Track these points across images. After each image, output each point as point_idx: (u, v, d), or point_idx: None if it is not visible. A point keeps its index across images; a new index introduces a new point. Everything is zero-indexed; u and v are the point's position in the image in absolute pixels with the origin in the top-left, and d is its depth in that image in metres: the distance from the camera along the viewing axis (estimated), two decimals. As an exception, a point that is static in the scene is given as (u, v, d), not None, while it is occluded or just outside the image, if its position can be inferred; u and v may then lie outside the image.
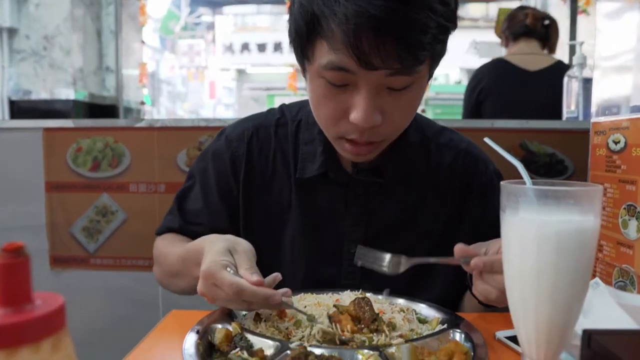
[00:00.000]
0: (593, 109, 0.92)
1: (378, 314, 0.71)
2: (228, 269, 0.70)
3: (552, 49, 2.28)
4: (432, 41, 0.70)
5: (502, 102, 2.12)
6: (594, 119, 0.83)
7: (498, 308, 0.86)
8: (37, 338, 0.35)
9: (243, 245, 0.76)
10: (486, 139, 0.64)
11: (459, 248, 0.73)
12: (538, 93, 2.06)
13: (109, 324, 1.69)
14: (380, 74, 0.71)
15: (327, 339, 0.67)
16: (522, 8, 2.36)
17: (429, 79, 0.82)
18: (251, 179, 0.96)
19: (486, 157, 0.99)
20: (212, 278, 0.70)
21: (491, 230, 0.91)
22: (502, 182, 0.55)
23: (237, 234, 0.97)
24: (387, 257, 0.77)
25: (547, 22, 2.22)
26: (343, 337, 0.67)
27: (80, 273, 1.75)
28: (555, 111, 1.98)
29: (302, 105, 0.97)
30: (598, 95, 0.95)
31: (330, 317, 0.71)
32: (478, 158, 0.97)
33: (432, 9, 0.69)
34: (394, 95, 0.75)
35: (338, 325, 0.69)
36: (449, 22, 0.73)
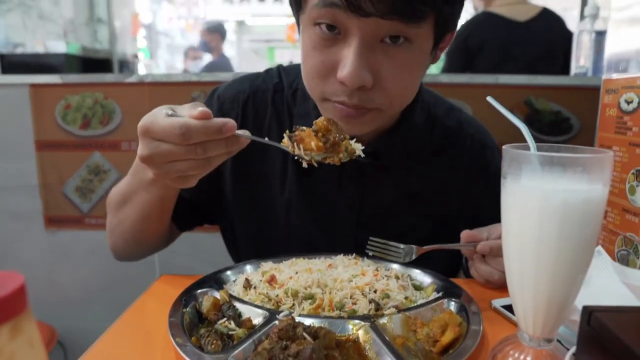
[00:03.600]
0: (605, 63, 0.86)
1: (345, 137, 0.67)
2: (164, 110, 0.60)
3: None
4: None
5: (496, 56, 2.07)
6: (605, 76, 0.78)
7: None
8: (-10, 324, 0.32)
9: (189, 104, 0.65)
10: (489, 98, 0.60)
11: (466, 234, 0.73)
12: (532, 44, 2.02)
13: (106, 282, 1.69)
14: (373, 21, 0.64)
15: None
16: None
17: (433, 51, 0.73)
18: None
19: (494, 145, 0.92)
20: (149, 131, 0.59)
21: (494, 220, 0.86)
22: (504, 147, 0.51)
23: (217, 197, 0.91)
24: (400, 247, 0.75)
25: None
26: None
27: (75, 233, 1.74)
28: (550, 62, 1.93)
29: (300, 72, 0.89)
30: (610, 48, 0.89)
31: (290, 137, 0.65)
32: (486, 145, 0.91)
33: None
34: (388, 52, 0.68)
35: (301, 146, 0.64)
36: None
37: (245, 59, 9.31)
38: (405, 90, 0.74)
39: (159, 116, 0.60)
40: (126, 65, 3.08)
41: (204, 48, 4.36)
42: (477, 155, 0.89)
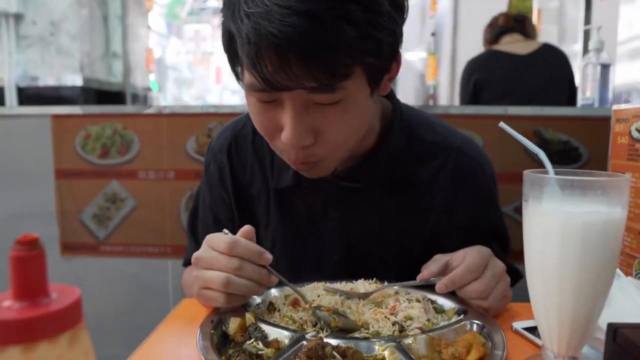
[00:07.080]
0: (613, 95, 0.90)
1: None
2: (225, 230, 0.73)
3: (533, 38, 2.38)
4: (355, 54, 0.63)
5: (500, 89, 2.21)
6: (615, 107, 0.81)
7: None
8: (54, 333, 0.34)
9: None
10: (501, 124, 0.60)
11: (420, 276, 0.75)
12: (533, 75, 2.15)
13: (120, 310, 1.70)
14: (299, 92, 0.65)
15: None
16: (494, 18, 2.46)
17: (375, 91, 0.72)
18: (238, 189, 0.93)
19: (483, 159, 0.89)
20: (209, 240, 0.72)
21: (484, 240, 0.81)
22: (525, 172, 0.54)
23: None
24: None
25: (519, 17, 2.36)
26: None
27: (90, 260, 1.76)
28: (553, 93, 2.04)
29: None
30: (617, 80, 0.92)
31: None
32: (473, 158, 0.87)
33: (348, 19, 0.60)
34: (323, 112, 0.68)
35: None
36: (377, 29, 0.63)
37: (252, 92, 9.48)
38: (348, 139, 0.74)
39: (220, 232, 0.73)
40: (137, 98, 3.15)
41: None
42: (463, 166, 0.86)
